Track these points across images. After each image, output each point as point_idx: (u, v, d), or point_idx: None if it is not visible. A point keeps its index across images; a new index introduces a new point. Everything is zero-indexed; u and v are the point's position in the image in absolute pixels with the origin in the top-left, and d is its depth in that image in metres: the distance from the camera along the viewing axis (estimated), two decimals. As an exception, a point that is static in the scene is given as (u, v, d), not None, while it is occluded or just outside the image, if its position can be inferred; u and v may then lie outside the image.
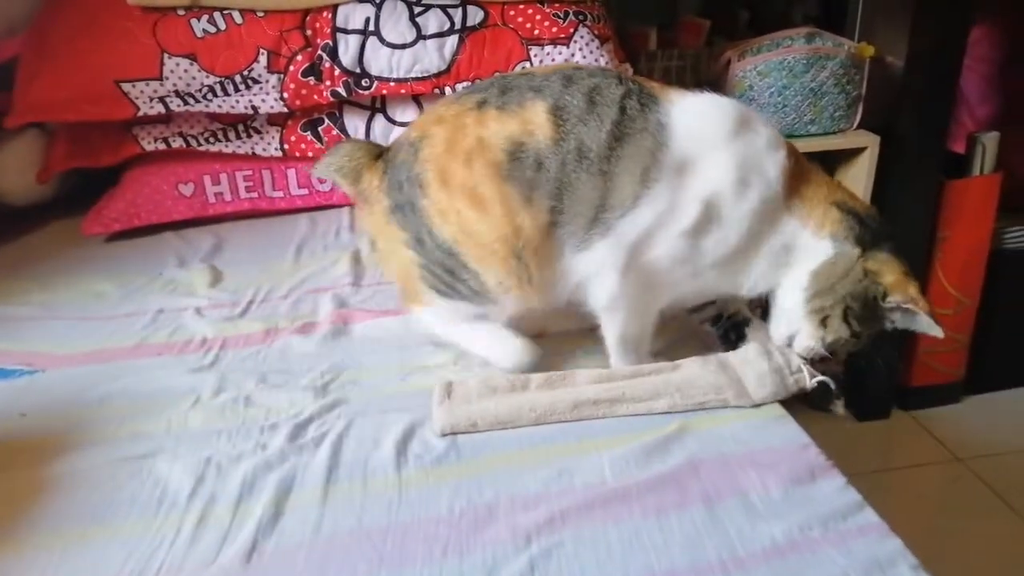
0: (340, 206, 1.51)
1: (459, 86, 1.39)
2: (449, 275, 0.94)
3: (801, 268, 0.93)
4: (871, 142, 1.71)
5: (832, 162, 1.77)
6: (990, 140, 1.75)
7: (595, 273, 0.91)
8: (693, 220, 0.88)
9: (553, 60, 1.39)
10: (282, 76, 1.37)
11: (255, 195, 1.47)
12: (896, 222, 1.43)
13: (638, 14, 1.87)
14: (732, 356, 0.94)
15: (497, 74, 1.03)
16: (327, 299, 1.15)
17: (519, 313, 0.97)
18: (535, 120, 0.90)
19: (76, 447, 0.85)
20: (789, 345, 0.94)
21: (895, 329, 0.94)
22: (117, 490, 0.79)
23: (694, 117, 0.90)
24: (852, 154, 1.76)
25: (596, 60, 1.40)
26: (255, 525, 0.73)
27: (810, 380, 0.90)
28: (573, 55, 1.39)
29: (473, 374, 0.95)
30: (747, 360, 0.92)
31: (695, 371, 0.91)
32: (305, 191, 1.49)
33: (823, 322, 0.91)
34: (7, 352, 1.04)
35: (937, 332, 0.90)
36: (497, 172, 0.90)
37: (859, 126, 1.75)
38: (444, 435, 0.85)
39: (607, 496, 0.75)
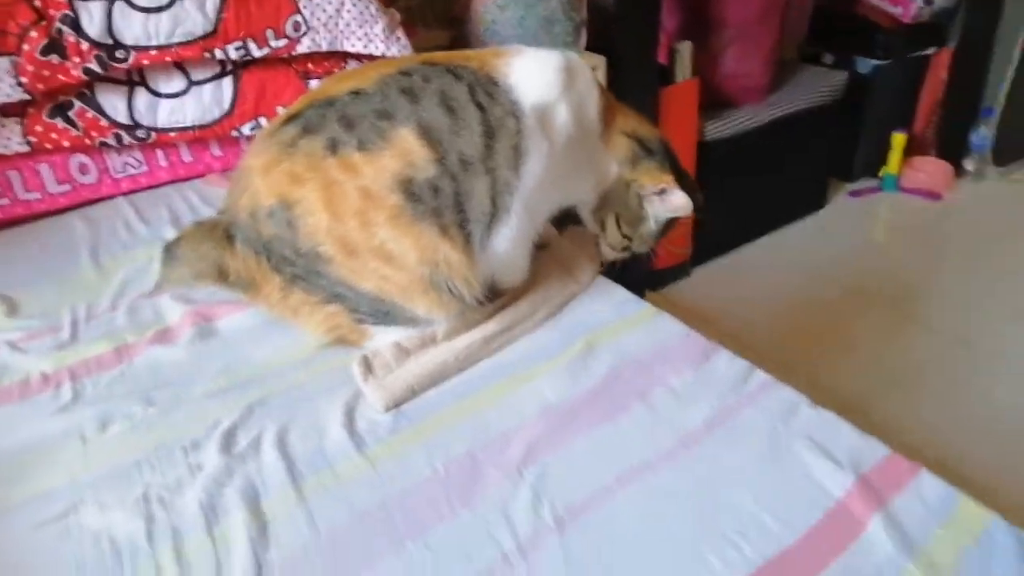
0: (111, 197, 1.34)
1: (230, 47, 1.30)
2: (383, 313, 0.93)
3: (599, 188, 1.04)
4: (599, 62, 1.91)
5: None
6: (685, 48, 2.06)
7: (504, 252, 0.94)
8: (564, 163, 0.95)
9: (324, 11, 1.35)
10: (15, 58, 1.17)
11: (6, 201, 1.25)
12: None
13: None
14: (559, 258, 1.09)
15: (309, 100, 0.92)
16: (169, 302, 1.05)
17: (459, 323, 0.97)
18: (408, 149, 0.87)
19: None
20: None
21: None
22: (56, 560, 0.70)
23: (532, 80, 0.94)
24: (584, 74, 1.96)
25: (366, 7, 1.38)
26: (246, 543, 0.71)
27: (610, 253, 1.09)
28: (343, 3, 1.36)
29: (376, 342, 0.96)
30: (569, 251, 1.10)
31: (548, 281, 1.05)
32: (67, 187, 1.30)
33: (603, 227, 1.06)
34: None
35: (688, 205, 1.00)
36: (401, 218, 0.87)
37: (585, 48, 1.95)
38: (389, 410, 0.86)
39: (561, 417, 0.84)
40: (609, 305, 1.03)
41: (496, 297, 1.00)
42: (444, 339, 0.95)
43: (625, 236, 1.04)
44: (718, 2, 2.17)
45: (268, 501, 0.76)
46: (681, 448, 0.79)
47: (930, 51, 2.72)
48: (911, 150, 2.83)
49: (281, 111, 1.38)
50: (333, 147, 0.88)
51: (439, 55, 1.00)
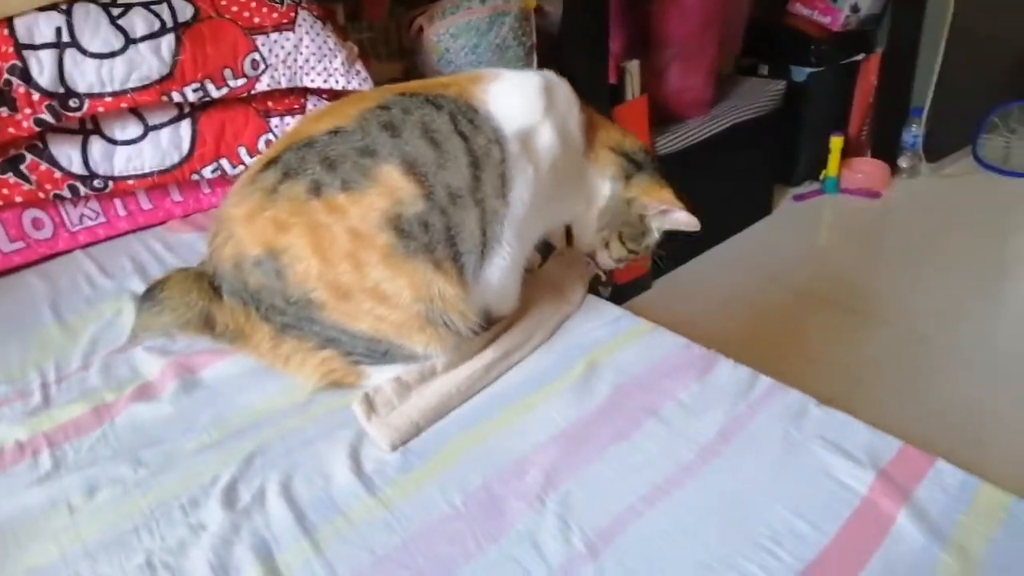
0: (68, 251, 1.28)
1: (188, 89, 1.26)
2: (380, 354, 0.91)
3: (594, 207, 1.04)
4: (551, 84, 1.93)
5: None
6: (633, 67, 2.09)
7: (497, 281, 0.93)
8: (548, 190, 0.95)
9: (283, 47, 1.33)
10: (-39, 112, 1.11)
11: (-44, 262, 1.18)
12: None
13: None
14: (549, 281, 1.09)
15: (287, 143, 0.89)
16: (144, 356, 1.00)
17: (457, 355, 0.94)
18: (394, 186, 0.85)
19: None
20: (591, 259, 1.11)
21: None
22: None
23: (512, 105, 0.93)
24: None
25: (324, 42, 1.37)
26: (267, 601, 0.67)
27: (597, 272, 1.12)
28: (301, 39, 1.35)
29: (373, 381, 0.93)
30: (558, 274, 1.10)
31: (541, 305, 1.04)
32: (20, 244, 1.24)
33: (607, 246, 1.07)
34: None
35: (694, 222, 1.03)
36: (393, 257, 0.85)
37: (536, 72, 1.96)
38: (395, 448, 0.84)
39: (574, 440, 0.83)
40: (602, 323, 1.03)
41: (490, 325, 0.98)
42: (444, 371, 0.93)
43: (631, 251, 1.05)
44: (660, 20, 2.22)
45: (283, 555, 0.72)
46: (700, 461, 0.78)
47: (859, 57, 2.83)
48: (848, 152, 2.93)
49: (245, 154, 1.35)
50: (316, 189, 0.86)
51: (415, 84, 0.98)
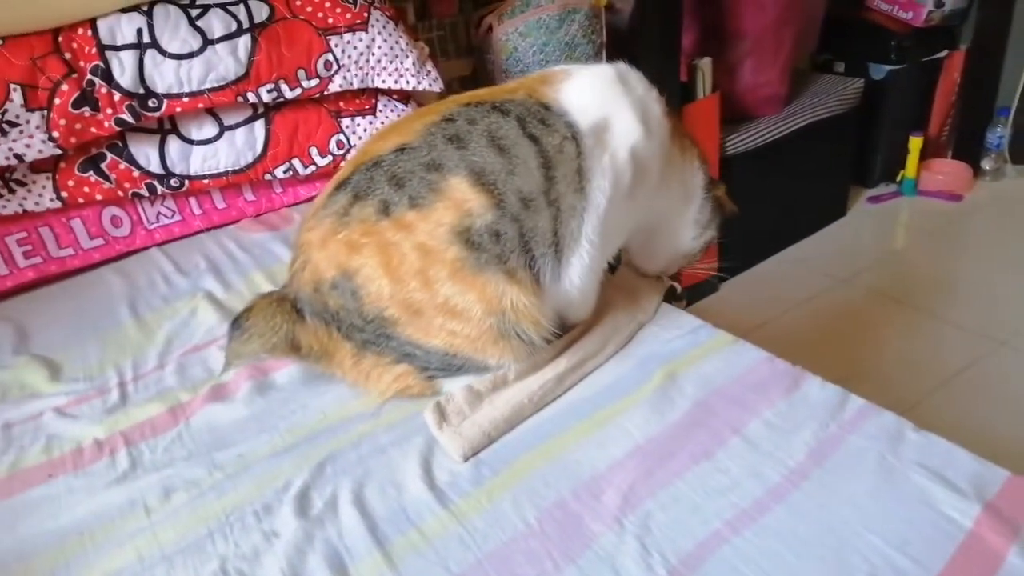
0: (144, 248, 1.30)
1: (262, 90, 1.27)
2: (455, 368, 0.90)
3: (693, 203, 1.03)
4: (621, 82, 1.89)
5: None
6: (705, 64, 2.04)
7: (575, 285, 0.91)
8: (631, 175, 0.92)
9: (355, 48, 1.33)
10: (46, 112, 1.13)
11: (38, 259, 1.21)
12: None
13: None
14: (623, 287, 1.07)
15: (355, 164, 0.89)
16: (219, 355, 1.00)
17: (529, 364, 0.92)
18: (462, 198, 0.84)
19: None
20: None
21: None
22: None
23: (587, 98, 0.91)
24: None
25: (396, 43, 1.36)
26: (340, 615, 0.66)
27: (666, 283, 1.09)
28: (373, 40, 1.34)
29: (448, 387, 0.92)
30: (633, 283, 1.07)
31: (615, 312, 1.01)
32: (100, 241, 1.26)
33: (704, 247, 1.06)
34: None
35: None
36: (463, 271, 0.84)
37: (605, 70, 1.92)
38: (466, 459, 0.82)
39: (654, 456, 0.80)
40: (680, 333, 0.99)
41: (564, 332, 0.95)
42: (516, 379, 0.90)
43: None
44: (734, 15, 2.15)
45: (356, 567, 0.71)
46: (789, 484, 0.74)
47: (942, 54, 2.71)
48: (928, 153, 2.81)
49: (317, 154, 1.36)
50: (385, 209, 0.85)
51: (483, 92, 0.96)
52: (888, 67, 2.62)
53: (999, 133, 2.80)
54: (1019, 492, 0.72)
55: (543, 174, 0.86)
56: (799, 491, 0.73)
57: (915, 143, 2.72)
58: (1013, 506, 0.70)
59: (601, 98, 0.92)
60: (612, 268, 1.10)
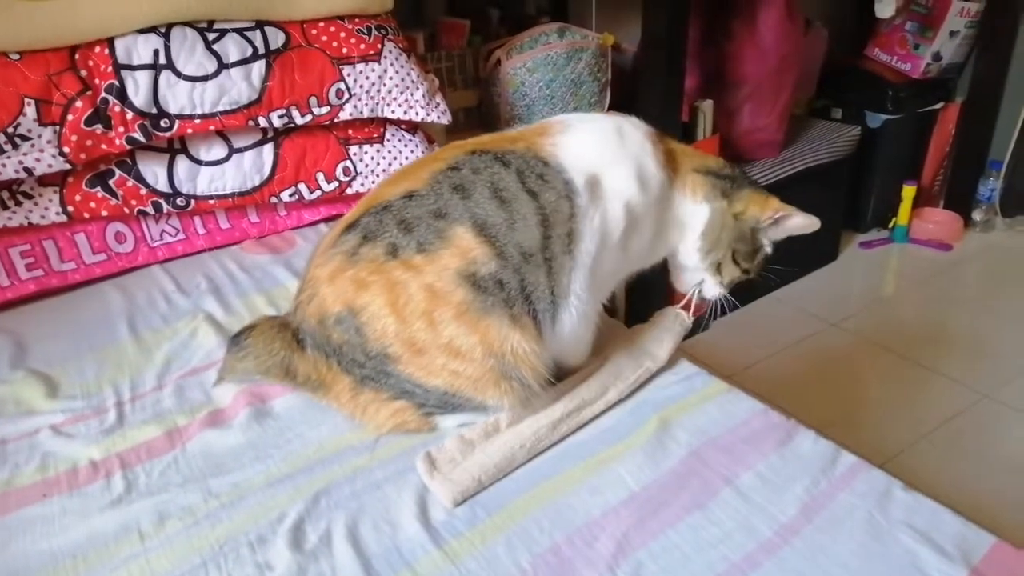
0: (146, 265, 1.31)
1: (274, 115, 1.29)
2: (453, 406, 0.91)
3: (692, 233, 1.03)
4: (624, 121, 1.92)
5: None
6: (707, 106, 2.07)
7: (567, 334, 0.92)
8: (621, 231, 0.94)
9: (367, 78, 1.35)
10: (59, 128, 1.14)
11: (40, 272, 1.21)
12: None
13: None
14: (634, 331, 1.06)
15: (365, 206, 0.91)
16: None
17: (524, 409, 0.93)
18: (467, 247, 0.86)
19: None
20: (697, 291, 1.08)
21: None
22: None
23: (583, 152, 0.93)
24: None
25: (407, 74, 1.38)
26: (332, 653, 0.66)
27: (689, 319, 1.10)
28: (385, 71, 1.36)
29: (441, 426, 0.93)
30: (644, 330, 1.06)
31: (619, 358, 1.01)
32: (103, 256, 1.27)
33: (719, 270, 1.05)
34: None
35: (814, 222, 1.04)
36: (468, 313, 0.85)
37: (608, 108, 1.95)
38: (457, 505, 0.83)
39: (647, 504, 0.81)
40: (675, 379, 1.00)
41: (561, 378, 0.97)
42: (508, 426, 0.91)
43: (744, 271, 1.05)
44: (736, 60, 2.19)
45: (348, 605, 0.71)
46: (780, 540, 0.75)
47: (938, 105, 2.76)
48: (920, 201, 2.86)
49: (323, 180, 1.37)
50: (394, 251, 0.87)
51: (486, 139, 0.97)
52: (884, 116, 2.67)
53: (991, 186, 2.86)
54: (1004, 558, 0.73)
55: (542, 232, 0.88)
56: (789, 547, 0.75)
57: (908, 191, 2.77)
58: (998, 573, 0.71)
59: (598, 155, 0.94)
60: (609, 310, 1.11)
